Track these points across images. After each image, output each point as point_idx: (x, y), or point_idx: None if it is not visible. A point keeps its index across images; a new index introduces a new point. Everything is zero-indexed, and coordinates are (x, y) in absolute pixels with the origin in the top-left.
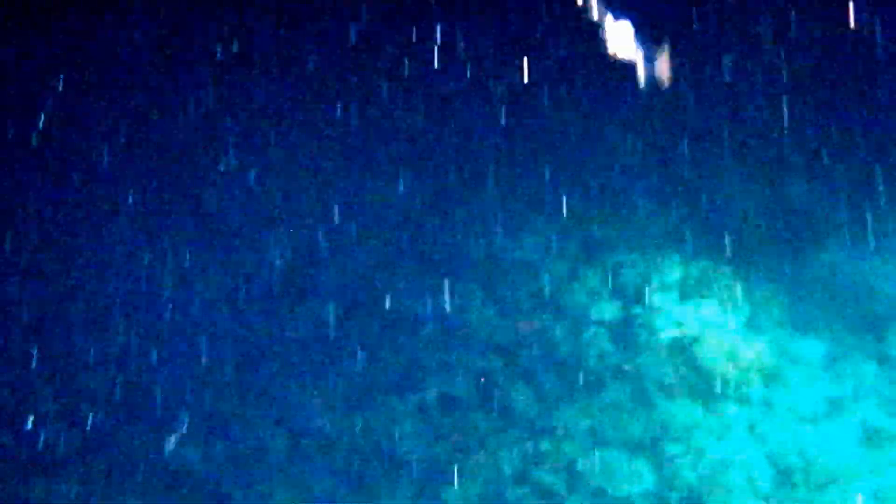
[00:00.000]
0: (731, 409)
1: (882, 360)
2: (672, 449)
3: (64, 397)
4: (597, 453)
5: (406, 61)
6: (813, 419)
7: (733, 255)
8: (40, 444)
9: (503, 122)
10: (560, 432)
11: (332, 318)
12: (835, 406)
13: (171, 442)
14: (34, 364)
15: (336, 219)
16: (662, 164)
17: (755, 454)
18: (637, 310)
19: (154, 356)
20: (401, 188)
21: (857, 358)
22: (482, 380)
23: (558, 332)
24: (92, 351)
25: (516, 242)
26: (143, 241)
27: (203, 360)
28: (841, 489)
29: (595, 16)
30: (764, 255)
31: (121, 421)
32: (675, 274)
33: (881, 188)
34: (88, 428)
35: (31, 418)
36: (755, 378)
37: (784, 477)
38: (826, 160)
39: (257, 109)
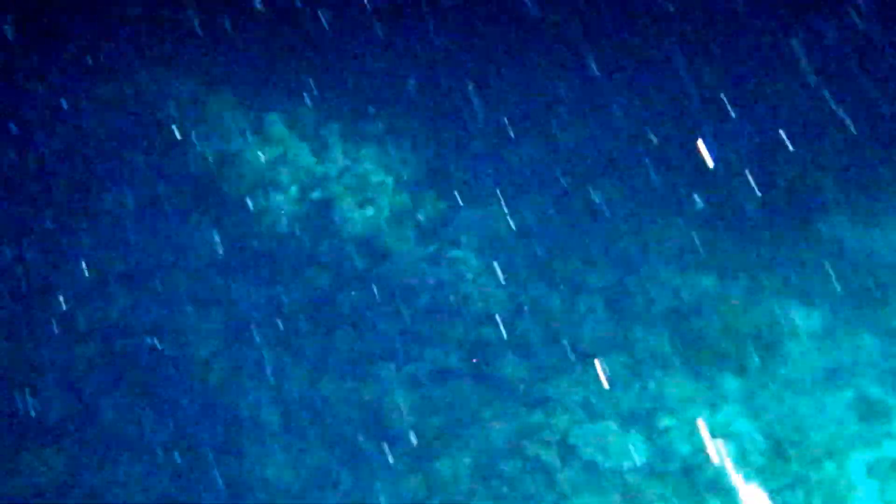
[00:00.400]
0: (728, 380)
1: (881, 331)
2: (666, 421)
3: (57, 366)
4: (590, 425)
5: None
6: (809, 391)
7: (733, 224)
8: (32, 413)
9: (503, 85)
10: (553, 404)
11: (326, 288)
12: (832, 378)
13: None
14: (30, 332)
15: (331, 187)
16: (663, 131)
17: (750, 427)
18: (634, 279)
19: (148, 325)
20: (396, 156)
21: (856, 329)
22: (474, 360)
23: (554, 301)
24: (86, 319)
25: (513, 210)
26: (139, 210)
27: (197, 329)
28: (836, 463)
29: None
30: (764, 225)
31: (114, 390)
32: (674, 243)
33: (882, 159)
34: (82, 396)
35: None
36: (752, 349)
37: (778, 450)
38: (828, 129)
39: (252, 74)
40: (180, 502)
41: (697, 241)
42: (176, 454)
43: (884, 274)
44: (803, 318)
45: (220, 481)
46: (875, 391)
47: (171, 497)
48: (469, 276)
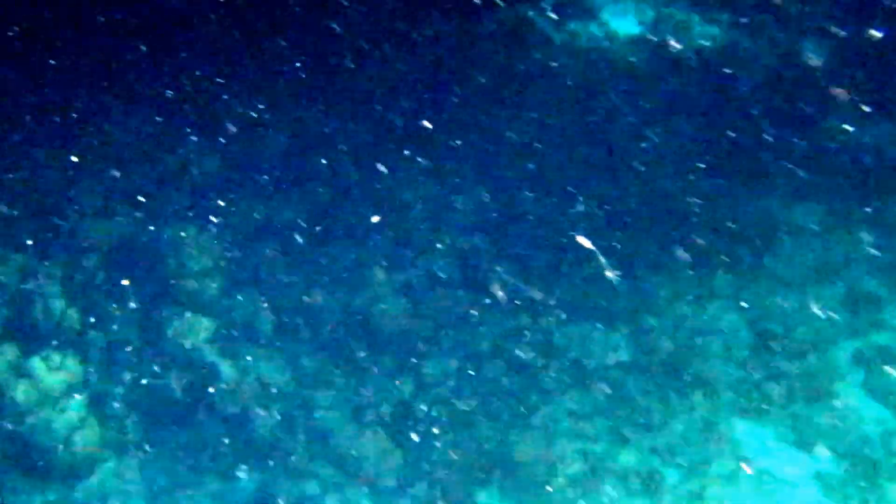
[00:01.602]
0: (717, 278)
1: (877, 225)
2: (650, 320)
3: (63, 276)
4: (574, 326)
5: None
6: (799, 285)
7: (727, 122)
8: (40, 319)
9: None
10: (538, 307)
11: (320, 202)
12: (823, 273)
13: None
14: (36, 246)
15: (328, 102)
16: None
17: (737, 321)
18: (626, 182)
19: (150, 238)
20: (393, 69)
21: (852, 224)
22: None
23: (546, 207)
24: (90, 234)
25: (508, 120)
26: (149, 126)
27: (196, 243)
28: (820, 356)
29: None
30: (759, 122)
31: (117, 300)
32: (667, 145)
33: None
34: (86, 305)
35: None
36: (744, 246)
37: (763, 344)
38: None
39: None
40: (184, 403)
41: (690, 143)
42: (175, 359)
43: (885, 168)
44: (798, 215)
45: (218, 383)
46: (867, 284)
47: (175, 400)
48: (464, 186)
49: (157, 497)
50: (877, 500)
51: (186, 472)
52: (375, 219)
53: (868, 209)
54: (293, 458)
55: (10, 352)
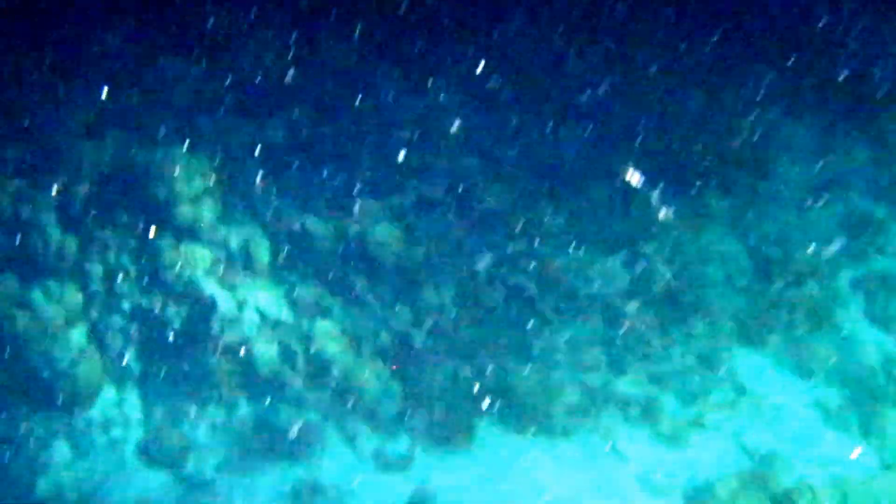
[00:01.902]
0: (713, 200)
1: (875, 143)
2: (648, 246)
3: (57, 205)
4: (571, 253)
5: None
6: (798, 207)
7: (719, 36)
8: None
9: None
10: (534, 233)
11: (311, 123)
12: (822, 193)
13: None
14: (31, 174)
15: (315, 21)
16: None
17: (735, 247)
18: (619, 99)
19: (141, 161)
20: None
21: (850, 142)
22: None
23: (537, 127)
24: (81, 160)
25: (502, 39)
26: (132, 45)
27: (187, 168)
28: (819, 282)
29: None
30: (753, 34)
31: (112, 227)
32: (659, 59)
33: None
34: (81, 231)
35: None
36: (739, 166)
37: (762, 270)
38: None
39: None
40: (183, 334)
41: (683, 56)
42: (170, 287)
43: (884, 83)
44: (794, 133)
45: (217, 314)
46: (865, 205)
47: (173, 326)
48: (454, 107)
49: (157, 426)
50: (877, 427)
51: (186, 401)
52: None
53: (862, 124)
54: (292, 388)
55: (10, 283)
